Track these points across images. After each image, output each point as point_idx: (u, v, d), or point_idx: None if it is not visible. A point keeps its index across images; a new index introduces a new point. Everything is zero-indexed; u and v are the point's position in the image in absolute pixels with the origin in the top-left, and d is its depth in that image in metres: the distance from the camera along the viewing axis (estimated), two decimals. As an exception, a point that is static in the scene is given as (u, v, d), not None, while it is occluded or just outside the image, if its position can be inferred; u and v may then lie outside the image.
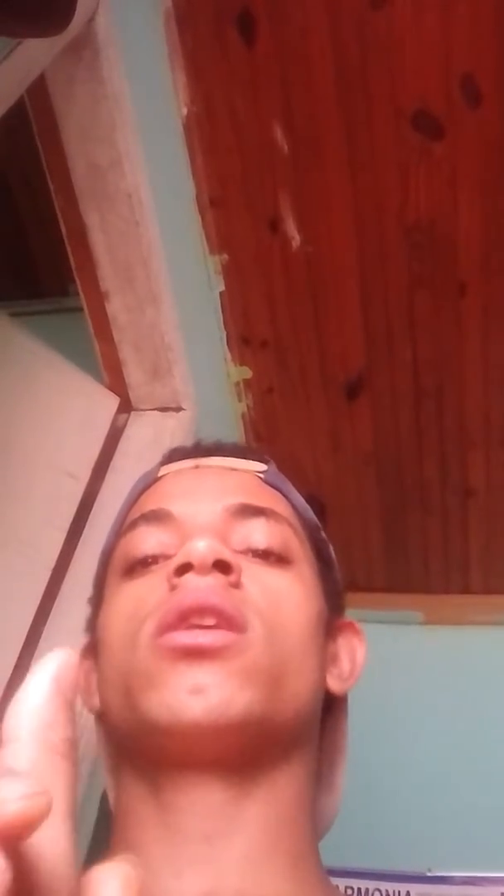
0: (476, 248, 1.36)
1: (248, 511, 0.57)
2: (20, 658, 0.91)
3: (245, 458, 0.64)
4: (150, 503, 0.60)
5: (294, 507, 0.63)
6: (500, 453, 1.58)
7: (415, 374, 1.51)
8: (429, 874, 1.00)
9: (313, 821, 0.54)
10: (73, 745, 0.26)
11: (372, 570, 1.75)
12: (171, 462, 0.65)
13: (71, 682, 0.27)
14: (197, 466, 0.63)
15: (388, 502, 1.69)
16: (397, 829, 1.42)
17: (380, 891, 0.99)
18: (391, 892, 1.00)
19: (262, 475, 0.63)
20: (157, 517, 0.57)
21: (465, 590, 1.77)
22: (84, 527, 1.07)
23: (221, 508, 0.57)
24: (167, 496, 0.60)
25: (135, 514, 0.60)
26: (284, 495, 0.63)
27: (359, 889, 0.99)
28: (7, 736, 0.26)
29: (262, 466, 0.63)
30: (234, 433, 1.62)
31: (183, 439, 1.22)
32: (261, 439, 1.65)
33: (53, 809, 0.24)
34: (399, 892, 1.00)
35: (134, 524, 0.58)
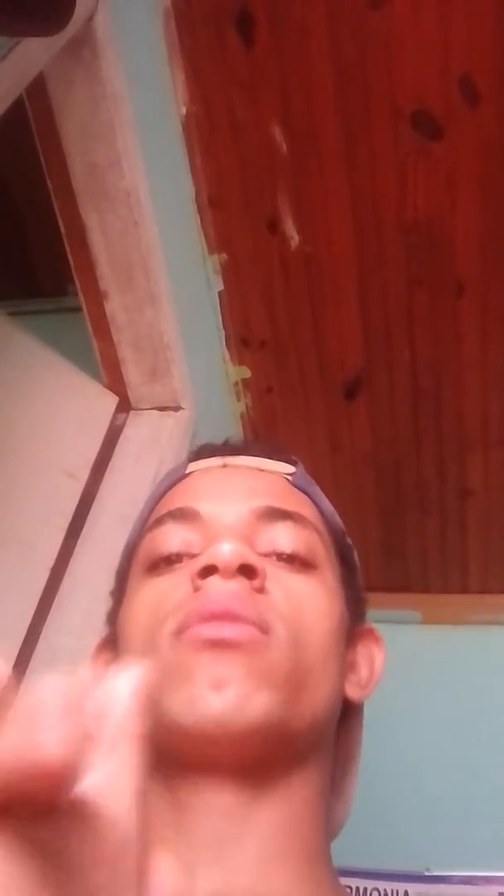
0: (474, 247, 1.36)
1: (275, 514, 0.57)
2: (19, 656, 0.91)
3: (273, 459, 0.63)
4: (177, 500, 0.60)
5: (321, 511, 0.62)
6: (499, 453, 1.58)
7: (413, 374, 1.51)
8: (427, 873, 1.00)
9: (326, 826, 0.54)
10: (147, 732, 0.28)
11: (370, 570, 1.75)
12: (199, 459, 0.64)
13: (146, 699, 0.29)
14: (225, 465, 0.62)
15: (386, 502, 1.69)
16: (395, 828, 1.42)
17: (378, 890, 0.99)
18: (389, 892, 0.99)
19: (290, 477, 0.62)
20: (184, 515, 0.57)
21: (464, 589, 1.77)
22: (83, 526, 1.07)
23: (248, 510, 0.56)
24: (194, 494, 0.59)
25: (161, 510, 0.60)
26: (312, 499, 0.62)
27: (356, 888, 0.99)
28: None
29: (291, 468, 0.63)
30: (233, 433, 1.62)
31: (182, 439, 1.22)
32: (259, 438, 1.65)
33: (125, 783, 0.27)
34: (397, 892, 0.99)
35: (160, 521, 0.58)
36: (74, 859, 0.25)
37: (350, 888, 0.98)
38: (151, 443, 1.21)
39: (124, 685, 0.29)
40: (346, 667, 0.57)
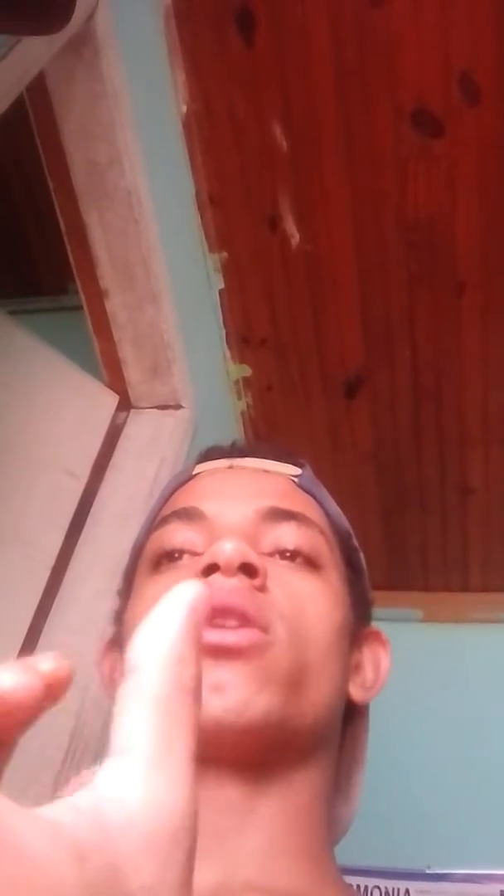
0: (475, 246, 1.36)
1: (279, 514, 0.57)
2: (20, 655, 0.90)
3: (280, 461, 0.64)
4: (182, 500, 0.60)
5: (327, 513, 0.63)
6: (499, 451, 1.58)
7: (414, 372, 1.51)
8: (428, 871, 1.00)
9: (329, 825, 0.54)
10: (200, 683, 0.24)
11: (371, 568, 1.73)
12: (206, 461, 0.65)
13: (203, 618, 0.25)
14: (231, 466, 0.63)
15: (387, 501, 1.69)
16: (396, 826, 1.42)
17: (379, 888, 0.99)
18: (390, 890, 0.99)
19: (296, 479, 0.63)
20: (189, 515, 0.58)
21: (464, 588, 1.77)
22: (84, 525, 1.07)
23: (252, 510, 0.57)
24: (200, 495, 0.60)
25: (167, 510, 0.61)
26: (318, 501, 0.63)
27: (358, 886, 0.99)
28: (133, 665, 0.24)
29: (297, 470, 0.64)
30: (234, 431, 1.62)
31: (182, 438, 1.22)
32: (260, 438, 1.65)
33: (177, 751, 0.22)
34: (398, 890, 0.99)
35: (165, 520, 0.59)
36: (119, 857, 0.20)
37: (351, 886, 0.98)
38: (152, 441, 1.21)
39: (176, 609, 0.25)
40: (350, 668, 0.58)
